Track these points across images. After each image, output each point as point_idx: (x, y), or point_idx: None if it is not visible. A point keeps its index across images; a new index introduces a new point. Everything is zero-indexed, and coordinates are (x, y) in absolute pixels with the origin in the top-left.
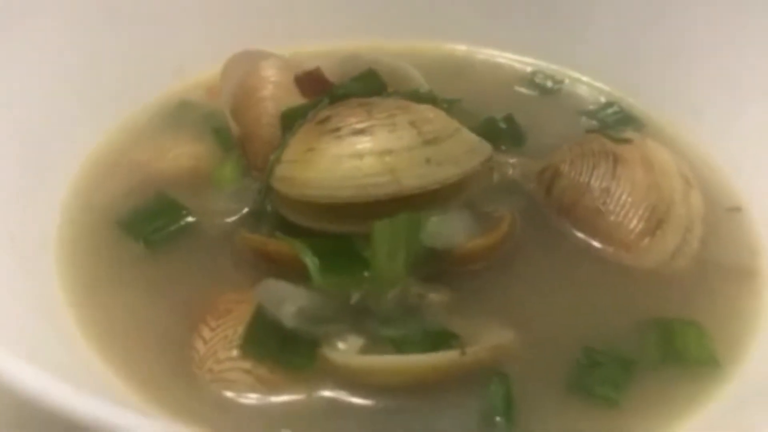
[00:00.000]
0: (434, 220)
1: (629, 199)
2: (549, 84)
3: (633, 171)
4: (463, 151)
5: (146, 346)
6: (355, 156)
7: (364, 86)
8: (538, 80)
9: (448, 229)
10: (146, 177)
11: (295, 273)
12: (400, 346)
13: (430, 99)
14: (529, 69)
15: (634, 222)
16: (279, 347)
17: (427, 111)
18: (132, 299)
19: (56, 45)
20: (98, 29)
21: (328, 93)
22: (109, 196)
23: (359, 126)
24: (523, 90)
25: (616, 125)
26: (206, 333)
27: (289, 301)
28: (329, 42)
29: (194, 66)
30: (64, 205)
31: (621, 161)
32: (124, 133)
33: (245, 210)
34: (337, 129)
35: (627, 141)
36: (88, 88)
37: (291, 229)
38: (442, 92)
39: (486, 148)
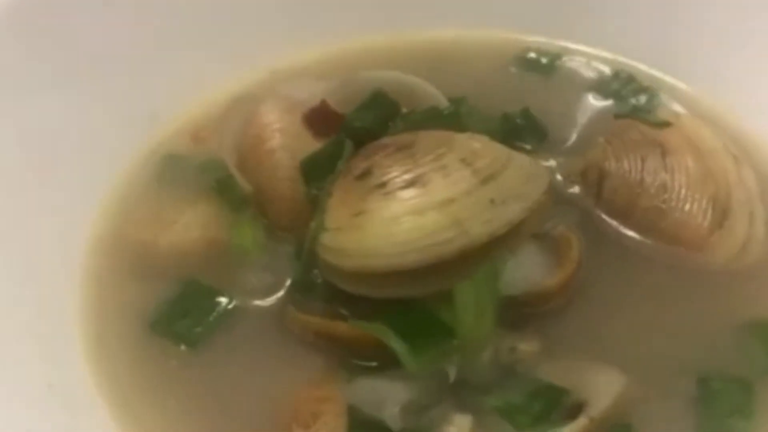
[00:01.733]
0: (509, 265)
1: (688, 192)
2: (544, 60)
3: (683, 159)
4: (522, 181)
5: None
6: (414, 213)
7: (377, 113)
8: (532, 57)
9: (523, 272)
10: (158, 258)
11: (371, 354)
12: (510, 415)
13: (453, 116)
14: (520, 47)
15: (700, 217)
16: None
17: (472, 141)
18: (187, 412)
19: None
20: (55, 94)
21: (343, 128)
22: (125, 291)
23: (408, 177)
24: (519, 71)
25: (637, 103)
26: None
27: (389, 401)
28: (308, 51)
29: (169, 110)
30: (79, 312)
31: (669, 150)
32: (117, 207)
33: (287, 282)
34: (384, 184)
35: (666, 124)
36: (62, 161)
37: (345, 298)
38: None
39: (541, 170)
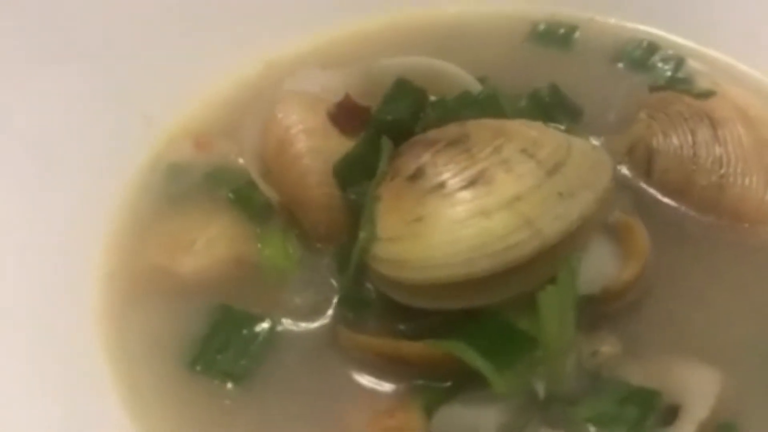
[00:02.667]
0: (584, 263)
1: (746, 165)
2: (561, 31)
3: (735, 129)
4: (587, 169)
5: None
6: (480, 215)
7: (406, 104)
8: (545, 31)
9: (598, 269)
10: (181, 285)
11: (441, 374)
12: (603, 425)
13: (491, 100)
14: (530, 20)
15: (762, 189)
16: None
17: (528, 129)
18: None
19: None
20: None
21: (372, 124)
22: (150, 328)
23: (468, 174)
24: (534, 46)
25: (672, 78)
26: None
27: (482, 427)
28: (307, 38)
29: (163, 112)
30: (101, 341)
31: (718, 121)
32: (124, 233)
33: (334, 300)
34: (442, 185)
35: (711, 93)
36: (58, 178)
37: (404, 313)
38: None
39: (603, 154)
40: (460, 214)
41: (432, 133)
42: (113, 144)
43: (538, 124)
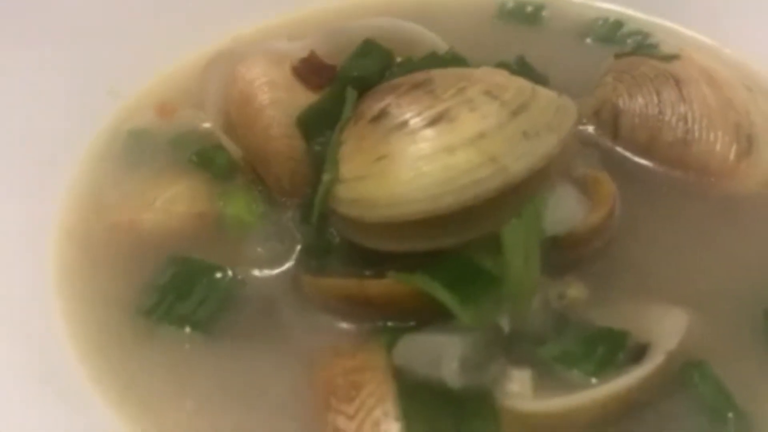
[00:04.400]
0: (550, 203)
1: (711, 122)
2: (529, 9)
3: (700, 89)
4: (552, 112)
5: None
6: (443, 151)
7: (372, 61)
8: (514, 8)
9: (561, 212)
10: (141, 240)
11: (404, 314)
12: (569, 363)
13: (457, 59)
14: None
15: (727, 145)
16: (452, 416)
17: (493, 75)
18: (211, 404)
19: None
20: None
21: (341, 79)
22: (109, 275)
23: (431, 113)
24: (503, 22)
25: (638, 44)
26: (345, 424)
27: (446, 357)
28: (276, 12)
29: (129, 84)
30: (60, 297)
31: (683, 81)
32: (84, 189)
33: (297, 248)
34: (404, 123)
35: (675, 56)
36: (21, 143)
37: (367, 257)
38: None
39: (570, 102)
40: (424, 151)
41: (396, 80)
42: (77, 113)
43: (503, 71)
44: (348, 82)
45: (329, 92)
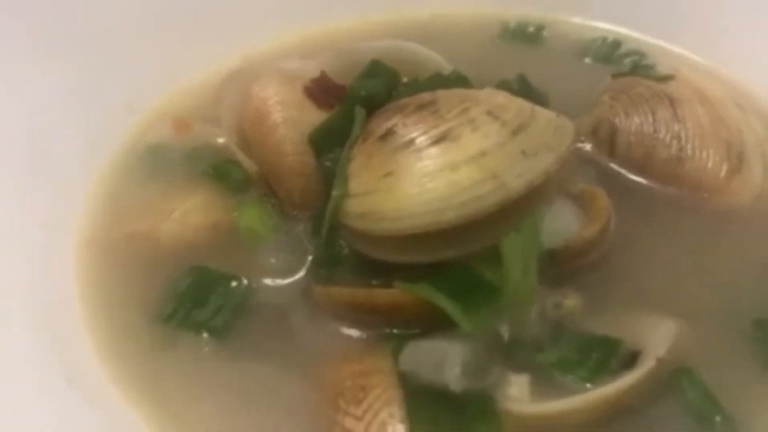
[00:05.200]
0: (547, 218)
1: (703, 140)
2: (531, 30)
3: (694, 109)
4: (551, 132)
5: None
6: (447, 169)
7: (380, 81)
8: (516, 29)
9: (561, 225)
10: (158, 249)
11: (409, 322)
12: (566, 369)
13: (461, 80)
14: (501, 20)
15: (718, 162)
16: (455, 419)
17: (494, 96)
18: (228, 406)
19: None
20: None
21: (350, 99)
22: (127, 283)
23: (436, 132)
24: (505, 43)
25: (635, 65)
26: (354, 425)
27: (449, 362)
28: (287, 33)
29: (146, 99)
30: (84, 311)
31: (677, 101)
32: (103, 202)
33: (308, 259)
34: (411, 142)
35: (670, 77)
36: (40, 156)
37: (374, 268)
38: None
39: (567, 123)
40: (429, 168)
41: (403, 100)
42: (96, 128)
43: (504, 93)
44: (356, 102)
45: (339, 111)
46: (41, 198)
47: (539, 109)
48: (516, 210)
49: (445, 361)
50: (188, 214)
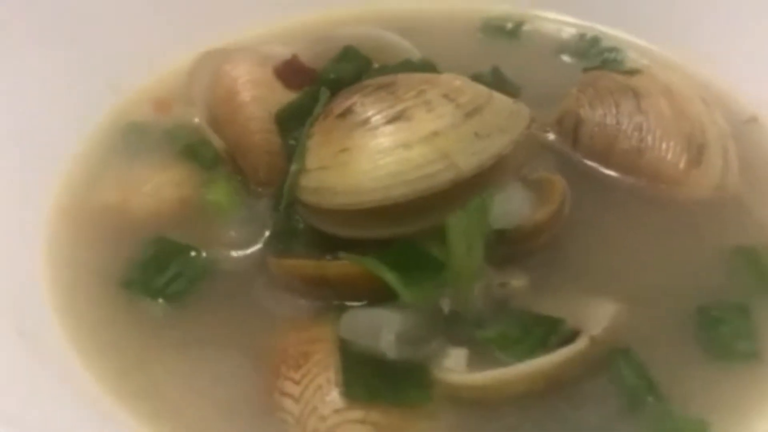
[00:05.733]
0: (497, 199)
1: (665, 132)
2: (510, 26)
3: (657, 102)
4: (505, 116)
5: (218, 421)
6: (400, 146)
7: (350, 66)
8: (496, 24)
9: (511, 206)
10: (128, 220)
11: (358, 294)
12: (505, 346)
13: (426, 67)
14: (485, 15)
15: (677, 154)
16: (388, 384)
17: (453, 80)
18: (177, 369)
19: None
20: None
21: (320, 80)
22: (95, 251)
23: (391, 112)
24: (485, 37)
25: (605, 58)
26: (292, 388)
27: (385, 329)
28: (272, 22)
29: (129, 80)
30: (48, 269)
31: (642, 94)
32: (81, 173)
33: (266, 233)
34: (367, 120)
35: (637, 72)
36: (24, 130)
37: (328, 242)
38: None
39: (524, 109)
40: (383, 145)
41: (365, 81)
42: (79, 106)
43: (464, 78)
44: (325, 84)
45: (306, 92)
46: (20, 168)
47: (497, 95)
48: (468, 191)
49: (382, 328)
50: (159, 188)
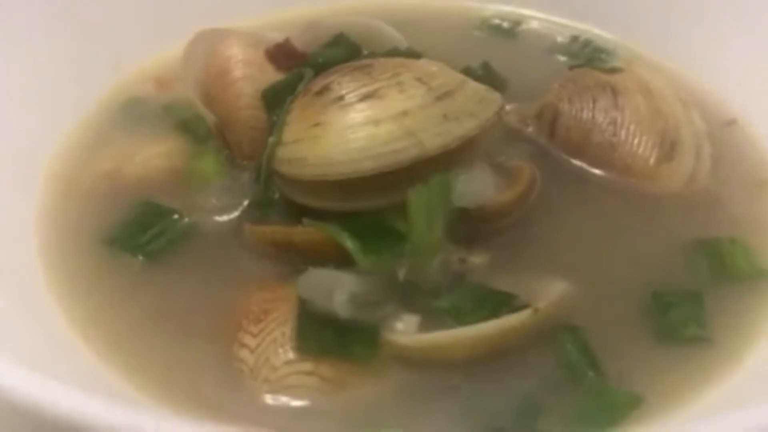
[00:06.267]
0: (462, 178)
1: (638, 128)
2: (506, 25)
3: (634, 99)
4: (475, 102)
5: (182, 367)
6: (370, 123)
7: (339, 52)
8: (494, 23)
9: (475, 187)
10: (119, 186)
11: (324, 261)
12: (457, 316)
13: (412, 55)
14: (482, 13)
15: (649, 150)
16: (338, 341)
17: (429, 65)
18: (149, 319)
19: None
20: (26, 35)
21: (308, 64)
22: (85, 213)
23: (365, 90)
24: (482, 35)
25: (592, 58)
26: (249, 340)
27: (339, 290)
28: (274, 13)
29: (132, 57)
30: (39, 229)
31: (620, 91)
32: (78, 143)
33: (245, 202)
34: (341, 97)
35: (618, 70)
36: (27, 100)
37: (302, 214)
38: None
39: (496, 96)
40: (353, 121)
41: (346, 63)
42: (82, 81)
43: (440, 64)
44: (314, 67)
45: (293, 73)
46: (24, 132)
47: (470, 81)
48: (435, 170)
49: (335, 288)
50: (151, 158)
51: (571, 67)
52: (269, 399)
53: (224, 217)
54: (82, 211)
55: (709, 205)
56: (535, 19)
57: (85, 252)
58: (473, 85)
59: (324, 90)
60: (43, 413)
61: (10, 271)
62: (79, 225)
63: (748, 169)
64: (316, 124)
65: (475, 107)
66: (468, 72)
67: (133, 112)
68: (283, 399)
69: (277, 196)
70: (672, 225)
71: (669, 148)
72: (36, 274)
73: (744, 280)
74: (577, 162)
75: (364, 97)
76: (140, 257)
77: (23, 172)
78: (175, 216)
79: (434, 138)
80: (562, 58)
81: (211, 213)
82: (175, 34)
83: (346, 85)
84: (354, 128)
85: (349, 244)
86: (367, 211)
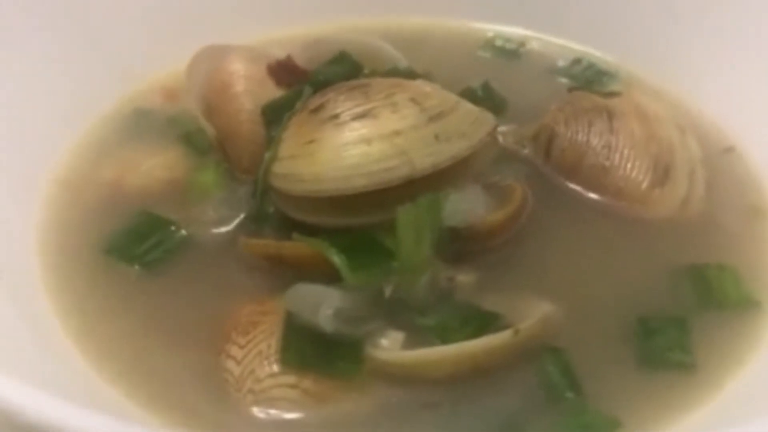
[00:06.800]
0: (452, 198)
1: (632, 152)
2: (511, 46)
3: (629, 124)
4: (468, 123)
5: (171, 376)
6: (362, 142)
7: (340, 70)
8: (498, 44)
9: (466, 206)
10: (120, 196)
11: (314, 275)
12: (442, 334)
13: (411, 75)
14: (488, 34)
15: (642, 174)
16: (322, 355)
17: (424, 86)
18: (142, 327)
19: None
20: (34, 45)
21: (309, 81)
22: (86, 221)
23: (359, 110)
24: (486, 55)
25: (592, 80)
26: (236, 352)
27: (325, 304)
28: (281, 31)
29: (142, 69)
30: (40, 234)
31: (616, 115)
32: (83, 151)
33: (242, 216)
34: (336, 116)
35: (616, 94)
36: (34, 108)
37: (295, 229)
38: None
39: (489, 117)
40: (347, 139)
41: (344, 82)
42: (90, 91)
43: (434, 85)
44: (314, 85)
45: (294, 90)
46: (27, 140)
47: (464, 103)
48: (426, 189)
49: (321, 302)
50: (153, 169)
51: (570, 90)
52: (253, 410)
53: (221, 230)
54: (83, 218)
55: (701, 230)
56: (539, 40)
57: (84, 259)
58: (467, 107)
59: (320, 108)
60: (27, 420)
61: (8, 272)
62: (78, 232)
63: (742, 195)
64: (311, 141)
65: (467, 128)
66: (469, 92)
67: (139, 123)
68: (267, 411)
69: (272, 210)
70: (662, 250)
71: (662, 173)
72: (34, 279)
73: (731, 308)
74: (571, 184)
75: (359, 116)
76: (137, 267)
77: (26, 178)
78: (173, 227)
79: (425, 158)
80: (563, 80)
81: (208, 225)
82: (185, 48)
83: (341, 103)
84: (348, 146)
85: (336, 259)
86: (360, 227)
